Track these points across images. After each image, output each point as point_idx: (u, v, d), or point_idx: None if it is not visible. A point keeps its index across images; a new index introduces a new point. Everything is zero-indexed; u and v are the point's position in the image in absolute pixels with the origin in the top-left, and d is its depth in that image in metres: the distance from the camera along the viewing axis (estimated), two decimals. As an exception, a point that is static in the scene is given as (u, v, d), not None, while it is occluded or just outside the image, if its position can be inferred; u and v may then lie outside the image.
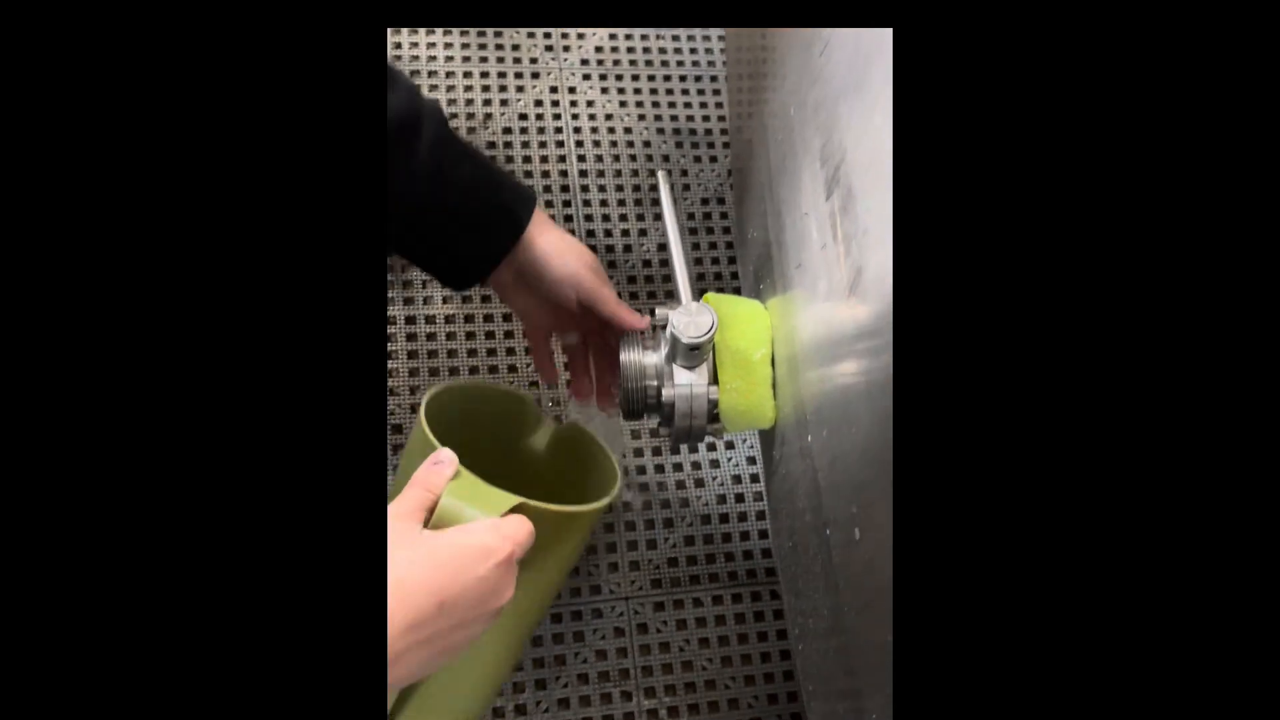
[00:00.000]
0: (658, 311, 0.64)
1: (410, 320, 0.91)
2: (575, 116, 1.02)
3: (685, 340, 0.62)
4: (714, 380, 0.65)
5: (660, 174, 0.71)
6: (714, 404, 0.65)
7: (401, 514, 0.44)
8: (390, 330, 0.90)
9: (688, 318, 0.62)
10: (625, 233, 0.98)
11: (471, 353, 0.90)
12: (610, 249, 0.97)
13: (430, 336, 0.91)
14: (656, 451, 0.89)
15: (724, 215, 1.00)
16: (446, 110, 1.00)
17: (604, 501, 0.57)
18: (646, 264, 0.97)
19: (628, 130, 1.02)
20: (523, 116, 1.01)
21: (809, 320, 0.56)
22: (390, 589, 0.37)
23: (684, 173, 1.01)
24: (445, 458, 0.48)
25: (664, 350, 0.65)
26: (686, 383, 0.65)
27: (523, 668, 0.80)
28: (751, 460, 0.90)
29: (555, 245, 0.64)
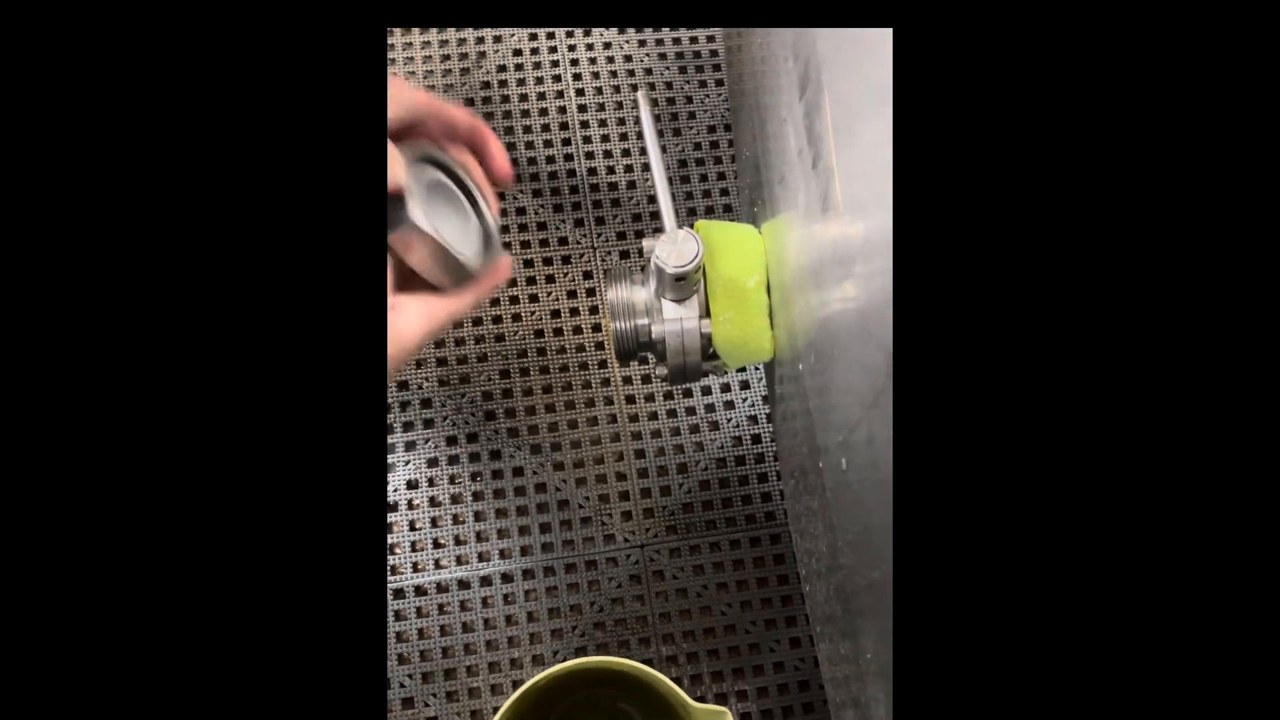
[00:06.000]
0: (644, 243, 0.60)
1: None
2: (572, 48, 0.97)
3: (670, 270, 0.58)
4: (706, 312, 0.61)
5: (640, 93, 0.66)
6: (707, 338, 0.61)
7: None
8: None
9: (671, 246, 0.58)
10: (629, 168, 0.93)
11: (476, 321, 0.88)
12: (613, 186, 0.92)
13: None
14: (669, 395, 0.85)
15: (731, 143, 0.94)
16: (436, 51, 0.97)
17: None
18: (652, 200, 0.92)
19: (627, 58, 0.97)
20: (517, 53, 0.97)
21: (793, 240, 0.51)
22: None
23: (689, 99, 0.96)
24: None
25: (652, 284, 0.62)
26: (676, 317, 0.61)
27: (538, 618, 0.79)
28: (767, 399, 0.85)
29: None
